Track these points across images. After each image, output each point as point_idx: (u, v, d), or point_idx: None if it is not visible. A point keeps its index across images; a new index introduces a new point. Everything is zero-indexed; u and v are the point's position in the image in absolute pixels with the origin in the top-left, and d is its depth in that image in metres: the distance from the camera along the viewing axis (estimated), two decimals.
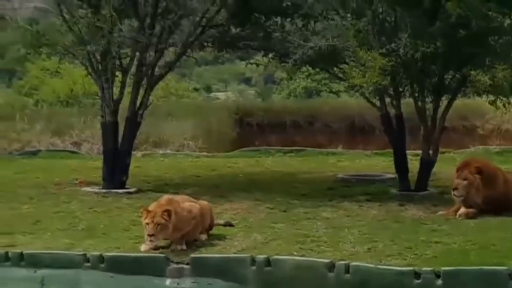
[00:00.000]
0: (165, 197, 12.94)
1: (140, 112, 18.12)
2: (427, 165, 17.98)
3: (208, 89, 78.52)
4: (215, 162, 24.45)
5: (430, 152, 17.91)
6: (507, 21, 15.70)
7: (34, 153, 26.61)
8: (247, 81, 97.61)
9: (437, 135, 17.87)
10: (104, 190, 17.60)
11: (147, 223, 11.92)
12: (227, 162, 24.21)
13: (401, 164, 18.33)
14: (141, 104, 18.09)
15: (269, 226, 14.23)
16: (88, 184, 18.75)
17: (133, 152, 19.34)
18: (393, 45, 15.75)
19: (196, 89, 68.11)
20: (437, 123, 17.85)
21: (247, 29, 18.16)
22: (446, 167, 19.28)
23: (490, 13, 15.48)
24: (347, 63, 16.48)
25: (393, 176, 19.61)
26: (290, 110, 38.64)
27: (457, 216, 14.97)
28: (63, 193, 17.75)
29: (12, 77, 70.37)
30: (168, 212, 11.96)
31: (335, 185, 19.53)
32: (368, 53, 15.56)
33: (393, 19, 16.40)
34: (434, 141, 17.89)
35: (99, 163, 20.41)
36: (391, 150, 19.78)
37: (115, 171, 17.84)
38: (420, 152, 18.57)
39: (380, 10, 16.21)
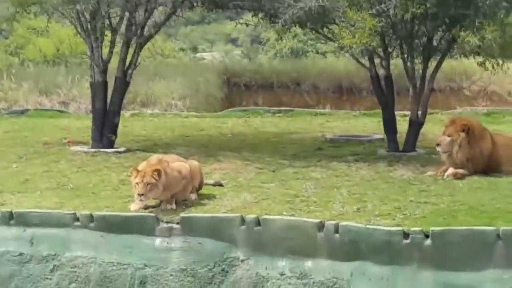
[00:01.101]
0: (155, 156, 13.01)
1: (130, 71, 18.13)
2: (415, 126, 18.03)
3: (194, 49, 78.48)
4: (203, 122, 24.44)
5: (419, 113, 17.95)
6: None
7: (22, 112, 26.46)
8: (234, 41, 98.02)
9: (426, 96, 17.95)
10: (93, 150, 17.66)
11: (137, 183, 11.95)
12: (216, 122, 24.23)
13: (389, 125, 18.39)
14: (130, 63, 18.07)
15: (258, 186, 14.30)
16: (77, 143, 18.77)
17: (121, 112, 19.20)
18: (383, 5, 15.73)
19: (182, 49, 68.15)
20: (426, 84, 17.91)
21: None
22: (434, 128, 19.40)
23: None
24: (337, 24, 16.52)
25: (381, 136, 19.82)
26: (277, 70, 39.05)
27: (445, 177, 15.05)
28: (52, 152, 17.76)
29: None
30: (158, 171, 12.01)
31: (323, 145, 19.58)
32: (358, 14, 15.56)
33: None
34: (423, 102, 17.94)
35: (87, 122, 20.42)
36: (379, 111, 19.87)
37: (104, 130, 17.85)
38: (408, 113, 18.64)
39: None
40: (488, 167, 15.38)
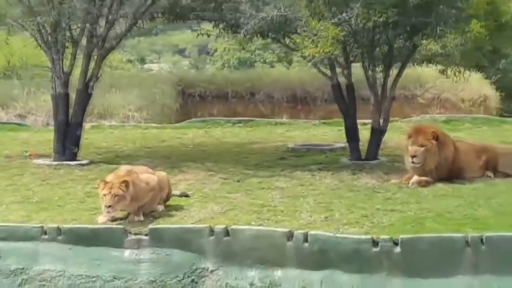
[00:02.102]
0: (123, 167, 13.02)
1: (91, 83, 18.11)
2: (377, 134, 18.12)
3: (142, 61, 78.87)
4: (164, 133, 24.50)
5: (381, 121, 18.03)
6: None
7: None
8: (181, 52, 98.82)
9: (387, 104, 18.04)
10: (55, 162, 17.54)
11: (104, 194, 11.97)
12: (176, 133, 24.29)
13: (351, 133, 18.46)
14: (91, 75, 18.06)
15: (224, 197, 14.29)
16: (39, 156, 18.64)
17: None
18: (345, 14, 15.84)
19: (129, 61, 68.24)
20: (387, 92, 18.01)
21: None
22: (394, 136, 19.57)
23: None
24: (299, 34, 16.50)
25: (343, 145, 19.80)
26: (230, 80, 39.02)
27: (410, 185, 15.13)
28: (14, 165, 17.67)
29: None
30: (126, 183, 12.03)
31: (285, 154, 19.60)
32: (321, 23, 15.65)
33: None
34: (385, 110, 18.03)
35: (47, 135, 20.48)
36: (339, 120, 20.07)
37: (66, 143, 17.81)
38: (369, 121, 18.78)
39: None
40: (451, 173, 15.52)
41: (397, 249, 10.85)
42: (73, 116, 18.00)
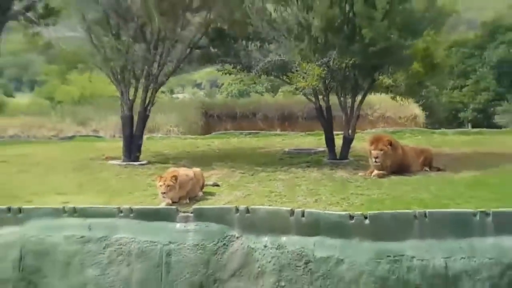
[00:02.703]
0: (171, 169, 13.10)
1: (148, 107, 18.20)
2: (347, 141, 18.18)
3: (171, 91, 79.39)
4: (197, 142, 24.49)
5: (349, 132, 18.06)
6: (403, 42, 15.89)
7: (70, 138, 26.33)
8: (198, 85, 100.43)
9: (354, 121, 18.06)
10: (124, 163, 17.61)
11: (161, 185, 12.06)
12: (206, 142, 24.28)
13: (329, 141, 18.51)
14: (148, 102, 18.10)
15: (243, 186, 14.27)
16: (112, 158, 18.68)
17: None
18: (325, 59, 15.87)
19: (162, 92, 69.06)
20: (354, 112, 18.03)
21: (221, 49, 18.19)
22: (357, 143, 19.54)
23: (392, 36, 15.67)
24: (293, 72, 16.40)
25: (323, 149, 19.78)
26: (238, 105, 39.94)
27: (372, 176, 15.15)
28: (95, 165, 17.71)
29: (33, 85, 71.69)
30: (175, 176, 12.13)
31: (283, 156, 19.60)
32: (309, 65, 15.67)
33: (324, 41, 16.31)
34: (352, 125, 18.06)
35: (117, 144, 20.45)
36: (319, 131, 20.07)
37: (131, 149, 17.84)
38: (341, 132, 18.72)
39: (316, 35, 16.16)
40: (400, 168, 15.54)
41: (367, 221, 10.84)
42: (136, 130, 18.03)
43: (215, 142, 23.92)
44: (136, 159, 17.85)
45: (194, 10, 17.04)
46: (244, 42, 18.06)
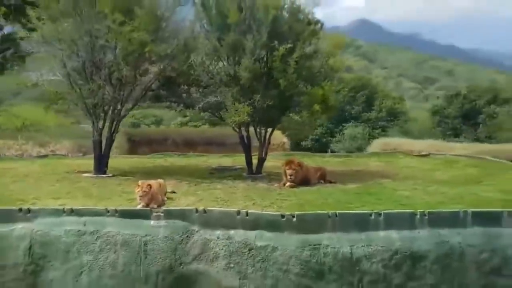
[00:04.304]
0: (144, 181, 12.70)
1: (114, 134, 17.89)
2: (261, 161, 18.19)
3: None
4: (143, 160, 23.79)
5: (263, 154, 18.17)
6: (309, 88, 16.27)
7: (44, 156, 25.26)
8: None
9: (266, 145, 18.19)
10: (95, 175, 17.22)
11: (138, 191, 12.00)
12: (149, 160, 23.63)
13: (248, 160, 18.38)
14: (114, 130, 17.81)
15: (194, 193, 14.18)
16: (83, 172, 18.14)
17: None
18: (251, 101, 16.08)
19: None
20: (267, 140, 18.20)
21: (169, 91, 18.10)
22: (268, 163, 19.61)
23: (300, 85, 16.03)
24: (227, 110, 16.48)
25: (240, 167, 19.63)
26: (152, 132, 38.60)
27: (286, 186, 15.32)
28: (73, 177, 17.20)
29: None
30: (150, 185, 12.10)
31: (212, 171, 19.26)
32: (240, 105, 15.83)
33: (249, 87, 16.44)
34: (265, 149, 18.20)
35: (80, 161, 20.04)
36: (239, 153, 20.09)
37: (101, 165, 17.52)
38: (256, 154, 18.59)
39: (243, 83, 16.30)
40: (304, 181, 15.78)
41: (294, 219, 11.06)
42: (104, 151, 17.73)
43: (157, 160, 23.43)
44: (104, 173, 17.44)
45: (152, 62, 16.86)
46: (186, 87, 17.83)
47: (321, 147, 37.58)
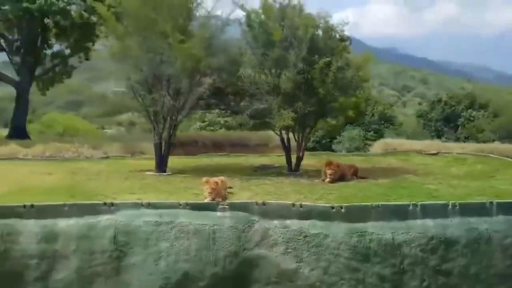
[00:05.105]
0: (209, 178, 12.78)
1: (172, 137, 17.95)
2: (299, 160, 18.16)
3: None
4: (189, 160, 23.26)
5: (301, 154, 18.16)
6: (343, 97, 16.31)
7: (107, 157, 24.78)
8: None
9: (303, 146, 18.19)
10: (158, 174, 17.21)
11: (207, 188, 12.10)
12: (195, 161, 22.71)
13: (288, 160, 18.22)
14: (171, 134, 17.89)
15: (248, 188, 14.20)
16: (145, 171, 17.98)
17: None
18: (294, 107, 16.15)
19: None
20: (304, 141, 18.22)
21: (219, 100, 18.16)
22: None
23: (336, 93, 16.08)
24: (273, 116, 16.55)
25: (279, 165, 19.23)
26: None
27: (326, 182, 15.32)
28: (139, 175, 17.02)
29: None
30: (217, 182, 12.21)
31: (256, 169, 18.97)
32: (285, 111, 15.92)
33: (292, 95, 16.44)
34: (302, 149, 18.20)
35: (139, 162, 19.93)
36: (264, 154, 20.28)
37: (162, 164, 17.59)
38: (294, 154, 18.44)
39: (287, 91, 16.38)
40: (340, 178, 15.70)
41: (343, 210, 11.18)
42: (164, 151, 17.78)
43: (204, 160, 22.87)
44: (165, 171, 17.55)
45: (205, 74, 17.01)
46: (233, 96, 17.89)
47: (322, 148, 37.31)
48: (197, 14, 17.42)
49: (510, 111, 46.97)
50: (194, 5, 17.44)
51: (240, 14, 17.34)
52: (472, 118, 47.55)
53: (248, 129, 30.25)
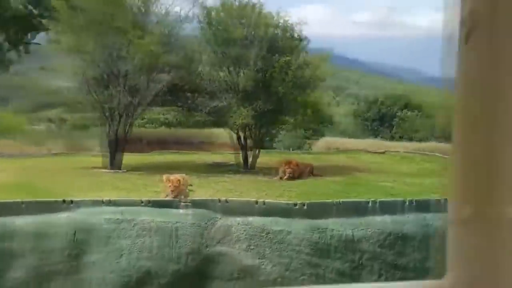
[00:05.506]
0: (170, 175, 12.64)
1: (128, 135, 17.71)
2: (255, 158, 18.11)
3: None
4: (143, 158, 23.06)
5: (257, 152, 18.19)
6: (300, 95, 16.49)
7: (56, 154, 24.45)
8: None
9: (259, 143, 18.23)
10: (112, 171, 16.88)
11: (169, 185, 12.01)
12: (151, 158, 22.80)
13: (244, 157, 18.20)
14: (127, 131, 17.65)
15: (207, 186, 14.04)
16: (98, 168, 17.51)
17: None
18: (254, 105, 16.18)
19: None
20: (261, 140, 18.31)
21: (175, 97, 17.97)
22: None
23: (295, 92, 16.24)
24: (232, 113, 16.50)
25: (233, 163, 18.86)
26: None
27: (283, 179, 15.33)
28: (93, 172, 16.70)
29: None
30: (179, 180, 12.13)
31: (212, 165, 18.87)
32: (245, 109, 15.94)
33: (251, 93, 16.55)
34: (258, 147, 18.26)
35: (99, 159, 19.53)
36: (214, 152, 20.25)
37: (116, 161, 17.31)
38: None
39: (247, 89, 16.41)
40: (298, 176, 15.79)
41: (305, 207, 11.33)
42: (118, 149, 17.47)
43: (156, 157, 22.55)
44: (119, 168, 17.25)
45: (163, 71, 16.84)
46: (190, 94, 17.75)
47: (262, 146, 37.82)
48: (156, 10, 17.21)
49: (442, 112, 49.03)
50: (152, 0, 17.24)
51: (199, 11, 17.22)
52: (406, 118, 49.44)
53: (192, 127, 30.28)
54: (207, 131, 31.08)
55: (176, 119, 25.04)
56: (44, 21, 24.14)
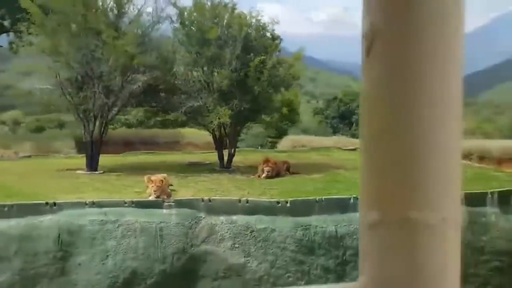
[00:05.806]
0: (151, 176, 12.62)
1: (103, 135, 17.60)
2: (231, 156, 18.18)
3: None
4: (121, 158, 23.03)
5: (232, 150, 18.28)
6: (275, 94, 16.65)
7: (28, 157, 24.08)
8: None
9: (234, 142, 18.36)
10: (89, 172, 16.87)
11: (152, 186, 12.02)
12: (125, 158, 22.63)
13: (220, 156, 18.28)
14: (103, 132, 17.56)
15: (187, 186, 14.13)
16: (75, 169, 17.54)
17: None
18: (230, 104, 16.26)
19: None
20: (236, 138, 18.40)
21: (150, 96, 17.93)
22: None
23: (270, 91, 16.38)
24: (209, 113, 16.54)
25: (209, 162, 19.32)
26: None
27: (262, 177, 15.55)
28: (70, 174, 16.68)
29: None
30: (162, 180, 12.14)
31: (189, 165, 18.89)
32: (222, 109, 16.00)
33: (228, 93, 16.59)
34: (234, 146, 18.35)
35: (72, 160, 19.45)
36: (188, 152, 20.02)
37: (92, 163, 17.21)
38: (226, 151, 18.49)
39: (224, 89, 16.45)
40: (276, 174, 15.97)
41: (288, 205, 11.48)
42: (94, 150, 17.35)
43: (129, 158, 22.53)
44: (96, 170, 17.17)
45: (138, 72, 16.78)
46: (165, 94, 17.73)
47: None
48: (129, 11, 17.13)
49: None
50: (125, 1, 17.14)
51: (171, 11, 17.22)
52: None
53: (157, 127, 30.19)
54: (171, 130, 31.07)
55: (137, 120, 24.90)
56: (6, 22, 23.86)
